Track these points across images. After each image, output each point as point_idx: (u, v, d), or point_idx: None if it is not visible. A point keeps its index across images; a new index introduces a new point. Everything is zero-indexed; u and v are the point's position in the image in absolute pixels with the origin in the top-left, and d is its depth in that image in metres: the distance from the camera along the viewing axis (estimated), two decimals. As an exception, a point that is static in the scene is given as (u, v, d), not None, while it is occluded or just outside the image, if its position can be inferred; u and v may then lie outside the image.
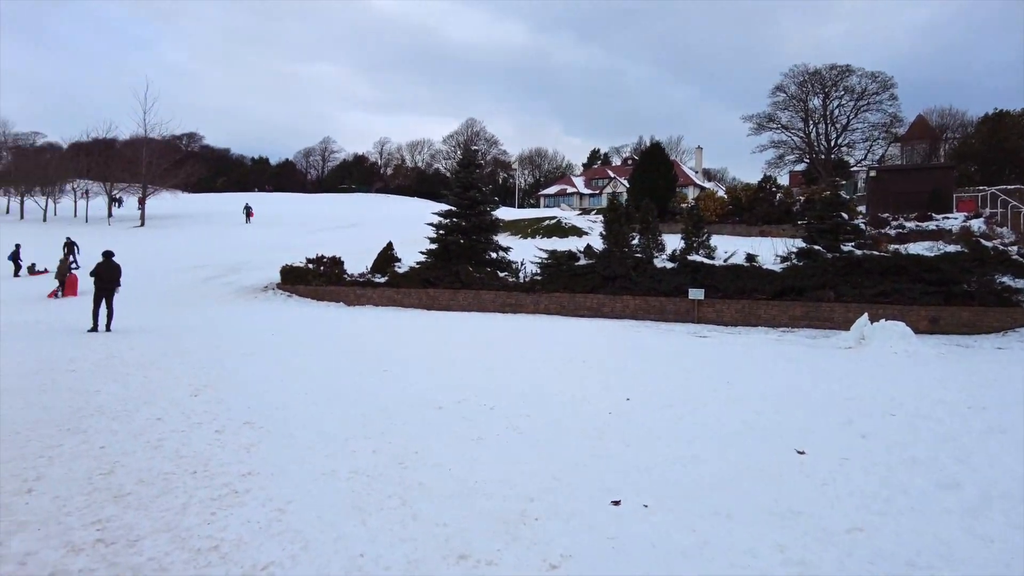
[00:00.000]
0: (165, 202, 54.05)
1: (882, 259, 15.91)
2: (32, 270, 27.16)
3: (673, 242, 20.86)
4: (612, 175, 74.73)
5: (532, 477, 5.05)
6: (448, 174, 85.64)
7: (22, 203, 57.67)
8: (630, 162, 76.30)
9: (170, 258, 29.90)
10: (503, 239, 25.93)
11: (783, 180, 56.63)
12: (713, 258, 18.02)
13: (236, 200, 58.28)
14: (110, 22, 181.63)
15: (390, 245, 22.37)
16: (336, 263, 21.90)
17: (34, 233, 38.74)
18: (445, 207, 22.68)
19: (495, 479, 4.98)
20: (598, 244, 19.92)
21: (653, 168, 34.83)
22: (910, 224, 24.91)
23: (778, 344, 13.42)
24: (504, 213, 29.60)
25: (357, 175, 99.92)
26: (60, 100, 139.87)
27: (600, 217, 34.72)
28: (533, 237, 32.75)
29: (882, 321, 12.59)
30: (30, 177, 56.39)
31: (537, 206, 75.34)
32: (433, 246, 21.59)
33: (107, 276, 13.91)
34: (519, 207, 69.74)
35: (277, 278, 22.44)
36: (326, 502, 4.46)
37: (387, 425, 6.48)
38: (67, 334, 13.25)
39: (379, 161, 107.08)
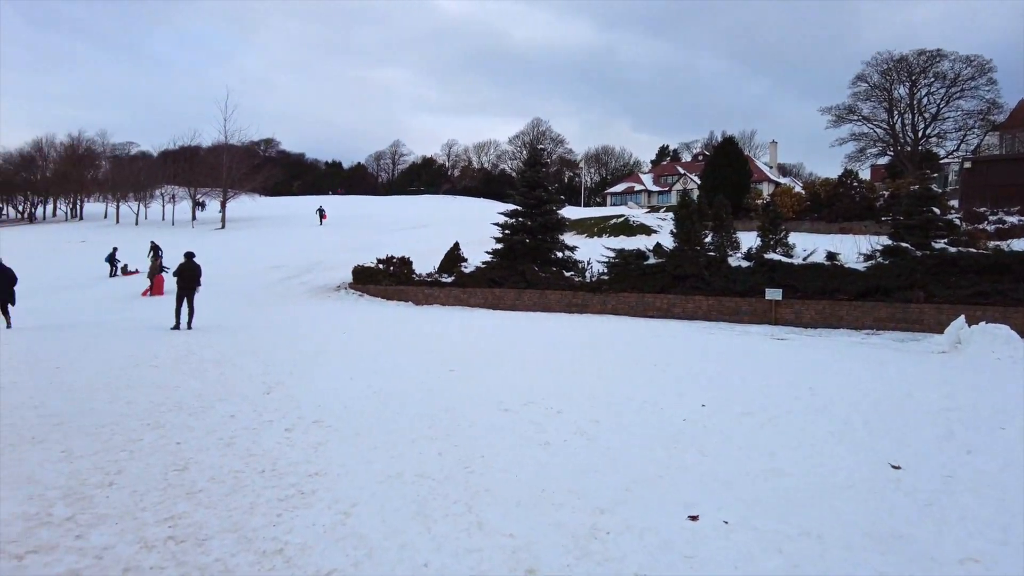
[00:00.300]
0: (244, 205, 56.64)
1: (981, 257, 14.68)
2: (125, 271, 28.87)
3: (748, 240, 20.05)
4: (682, 171, 72.89)
5: (603, 487, 4.81)
6: (514, 174, 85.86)
7: (117, 208, 61.73)
8: (701, 158, 74.25)
9: (248, 259, 31.16)
10: (569, 238, 25.63)
11: (864, 174, 53.57)
12: (791, 256, 17.18)
13: (310, 203, 60.28)
14: (197, 38, 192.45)
15: (456, 245, 22.50)
16: (405, 263, 22.22)
17: (128, 237, 41.28)
18: (511, 207, 22.62)
19: (564, 488, 4.77)
20: (668, 242, 19.36)
21: (726, 164, 33.73)
22: (1012, 218, 23.03)
23: (863, 347, 12.59)
24: (570, 212, 29.32)
25: (425, 177, 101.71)
26: (152, 112, 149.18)
27: (670, 215, 33.85)
28: (600, 236, 32.29)
29: (982, 324, 11.60)
30: (125, 184, 60.30)
31: (604, 204, 74.44)
32: (499, 246, 21.56)
33: (188, 276, 14.53)
34: (585, 206, 69.05)
35: (349, 278, 22.98)
36: (391, 506, 4.37)
37: (453, 426, 6.37)
38: (152, 331, 13.91)
39: (447, 163, 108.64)
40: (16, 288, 15.35)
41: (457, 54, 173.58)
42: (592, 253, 20.81)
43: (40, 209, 78.11)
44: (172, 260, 19.61)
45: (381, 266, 22.31)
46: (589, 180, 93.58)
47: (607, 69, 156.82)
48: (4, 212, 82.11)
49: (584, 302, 18.45)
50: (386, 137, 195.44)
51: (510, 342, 12.91)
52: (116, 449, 5.49)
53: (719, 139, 54.38)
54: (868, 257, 16.25)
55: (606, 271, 18.76)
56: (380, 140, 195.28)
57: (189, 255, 14.97)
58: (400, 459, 5.37)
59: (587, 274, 19.39)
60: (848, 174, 35.51)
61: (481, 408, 7.14)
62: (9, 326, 14.71)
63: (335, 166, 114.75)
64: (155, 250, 28.26)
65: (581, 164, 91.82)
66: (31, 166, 76.27)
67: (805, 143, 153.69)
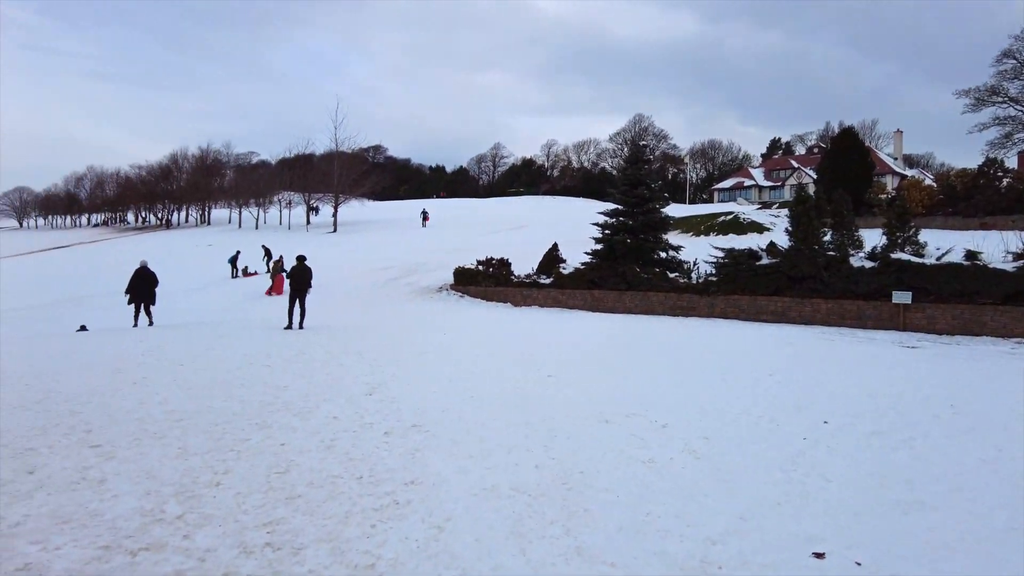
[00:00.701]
0: (354, 209, 59.37)
1: None
2: (245, 272, 30.96)
3: (872, 238, 18.44)
4: (795, 165, 68.83)
5: (714, 514, 4.39)
6: (614, 172, 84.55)
7: (240, 214, 66.72)
8: (816, 151, 69.88)
9: (357, 261, 32.48)
10: (673, 237, 24.69)
11: (1011, 163, 48.01)
12: (923, 256, 15.55)
13: (414, 206, 62.25)
14: (312, 53, 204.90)
15: (555, 246, 22.27)
16: (504, 265, 22.26)
17: (249, 240, 44.30)
18: (611, 206, 22.08)
19: (670, 513, 4.40)
20: (782, 241, 18.14)
21: (845, 155, 31.37)
22: None
23: (1014, 359, 11.11)
24: (674, 210, 28.27)
25: (525, 178, 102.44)
26: (271, 123, 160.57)
27: (783, 211, 31.95)
28: (707, 235, 30.93)
29: None
30: (247, 191, 65.14)
31: (710, 201, 71.65)
32: (598, 246, 21.11)
33: (300, 278, 15.22)
34: (690, 203, 66.76)
35: (450, 279, 23.34)
36: (485, 522, 4.19)
37: (551, 437, 6.12)
38: (267, 331, 14.68)
39: (546, 163, 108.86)
40: (157, 289, 16.80)
41: (557, 54, 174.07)
42: (699, 253, 19.89)
43: (175, 216, 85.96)
44: (287, 263, 20.69)
45: (481, 267, 22.47)
46: (694, 176, 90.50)
47: (713, 61, 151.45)
48: (147, 219, 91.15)
49: (690, 304, 17.64)
50: (487, 140, 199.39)
51: (610, 346, 12.51)
52: (225, 448, 5.69)
53: (837, 130, 50.73)
54: (1018, 256, 14.40)
55: (714, 272, 17.83)
56: (481, 143, 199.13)
57: (300, 258, 15.69)
58: (495, 470, 5.20)
59: (693, 275, 18.53)
60: (991, 163, 31.93)
61: (580, 418, 6.84)
62: (151, 323, 16.09)
63: (438, 170, 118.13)
64: (268, 253, 30.17)
65: (686, 160, 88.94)
66: (168, 177, 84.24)
67: (935, 131, 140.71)
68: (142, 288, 16.44)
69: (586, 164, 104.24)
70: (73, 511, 4.26)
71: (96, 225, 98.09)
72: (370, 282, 26.24)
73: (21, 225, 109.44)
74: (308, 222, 59.40)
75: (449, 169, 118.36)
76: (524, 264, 22.23)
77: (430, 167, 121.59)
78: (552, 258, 21.85)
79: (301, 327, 14.89)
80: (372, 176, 63.28)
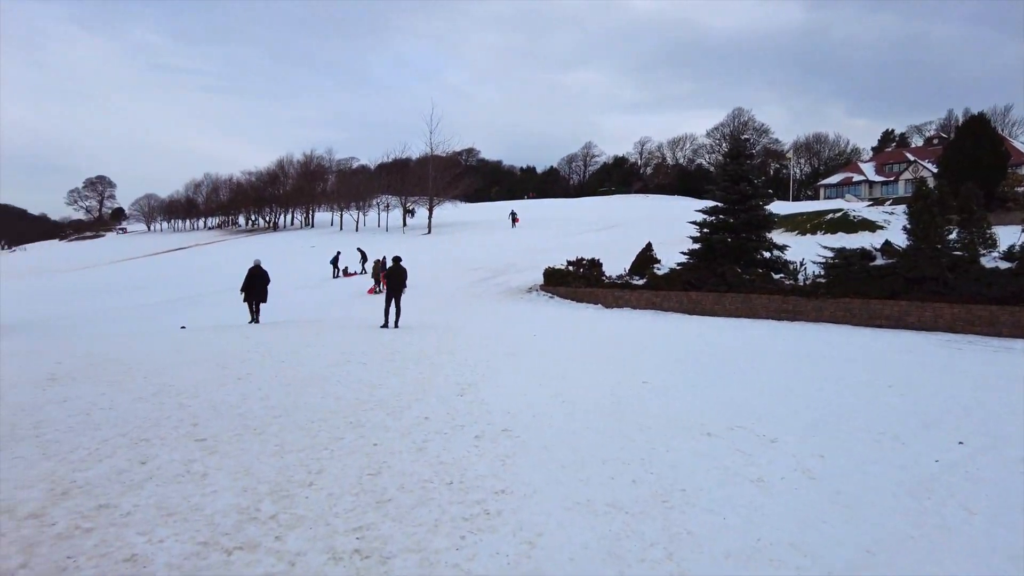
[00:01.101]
0: (447, 211, 60.67)
1: None
2: (346, 272, 32.23)
3: (1008, 236, 16.60)
4: (911, 158, 63.74)
5: (835, 544, 3.91)
6: (712, 169, 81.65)
7: (341, 217, 69.96)
8: (936, 141, 64.37)
9: (449, 261, 33.04)
10: (777, 236, 23.33)
11: None
12: (1074, 255, 13.78)
13: (505, 208, 62.73)
14: (409, 60, 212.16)
15: (649, 246, 21.61)
16: (594, 265, 21.84)
17: (349, 242, 46.16)
18: (709, 204, 21.14)
19: (783, 540, 3.96)
20: (897, 239, 16.68)
21: (974, 145, 28.50)
22: None
23: None
24: (778, 207, 26.71)
25: (617, 177, 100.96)
26: (370, 128, 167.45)
27: (898, 208, 29.57)
28: (813, 233, 29.07)
29: None
30: (347, 195, 68.27)
31: (816, 198, 67.77)
32: (696, 246, 20.27)
33: (396, 278, 15.54)
34: (794, 200, 63.33)
35: (540, 280, 23.18)
36: (579, 541, 3.93)
37: (648, 449, 5.77)
38: (364, 329, 15.07)
39: (639, 161, 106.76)
40: (268, 287, 17.71)
41: (650, 50, 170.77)
42: (805, 253, 18.66)
43: (281, 218, 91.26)
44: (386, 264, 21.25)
45: (571, 268, 22.16)
46: (798, 172, 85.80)
47: (818, 51, 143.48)
48: (256, 222, 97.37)
49: (796, 308, 16.53)
50: (577, 140, 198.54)
51: (709, 352, 11.87)
52: (320, 447, 5.74)
53: (960, 118, 46.41)
54: None
55: (822, 273, 16.63)
56: (571, 143, 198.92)
57: (396, 259, 16.02)
58: (589, 484, 4.92)
59: (799, 276, 17.37)
60: None
61: (680, 429, 6.43)
62: (257, 322, 16.96)
63: (529, 171, 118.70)
64: (364, 256, 31.26)
65: (789, 155, 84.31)
66: (275, 182, 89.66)
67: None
68: (256, 286, 17.32)
69: (681, 161, 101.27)
70: (177, 504, 4.38)
71: (211, 228, 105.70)
72: (462, 282, 26.55)
73: (149, 229, 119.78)
74: (404, 224, 61.22)
75: (540, 170, 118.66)
76: (616, 265, 21.71)
77: (521, 168, 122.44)
78: (645, 258, 21.20)
79: (396, 326, 15.19)
80: (465, 178, 64.37)
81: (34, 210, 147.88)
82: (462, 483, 4.89)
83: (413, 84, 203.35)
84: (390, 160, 75.64)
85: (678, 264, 19.82)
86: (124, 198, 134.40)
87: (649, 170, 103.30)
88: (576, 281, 21.65)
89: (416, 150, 76.34)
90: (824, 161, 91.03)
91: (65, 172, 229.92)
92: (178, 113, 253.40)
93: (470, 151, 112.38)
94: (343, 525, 4.10)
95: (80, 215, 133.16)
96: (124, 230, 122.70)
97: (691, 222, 21.00)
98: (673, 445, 5.86)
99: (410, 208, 63.31)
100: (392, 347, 11.99)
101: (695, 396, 7.96)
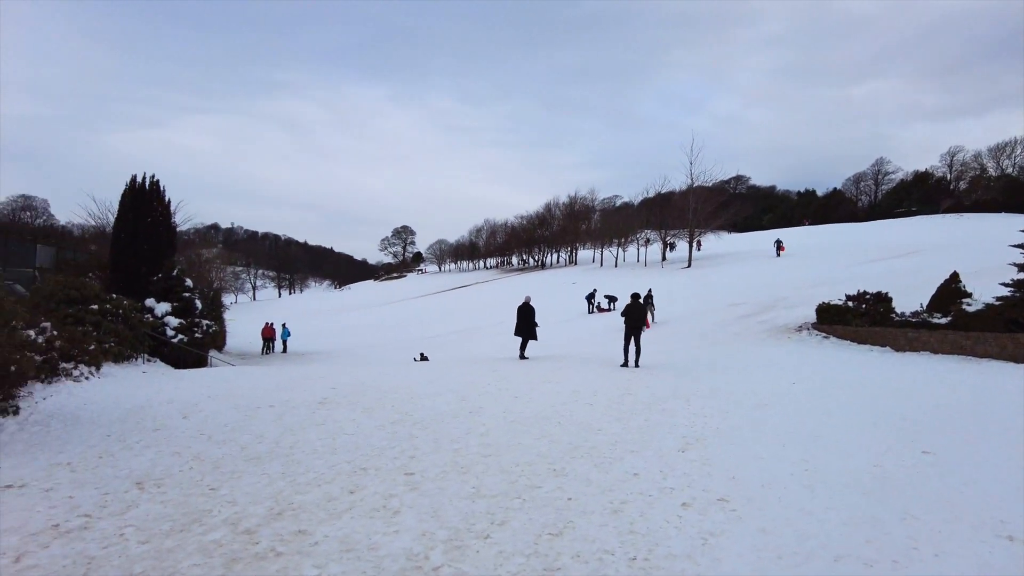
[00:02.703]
0: (710, 243, 58.09)
1: None
2: (599, 308, 32.56)
3: None
4: None
5: None
6: (1056, 179, 65.35)
7: (602, 254, 71.80)
8: None
9: (708, 296, 31.22)
10: None
11: None
12: None
13: (770, 236, 57.94)
14: (672, 94, 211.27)
15: (955, 276, 17.60)
16: (881, 300, 18.52)
17: (608, 278, 46.76)
18: (1045, 222, 16.52)
19: None
20: None
21: None
22: None
23: None
24: None
25: (917, 195, 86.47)
26: (634, 165, 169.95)
27: None
28: None
29: None
30: (608, 231, 70.05)
31: None
32: (1023, 276, 15.92)
33: (635, 316, 14.97)
34: None
35: (812, 317, 20.46)
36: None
37: (908, 549, 4.32)
38: (605, 367, 14.73)
39: (947, 175, 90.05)
40: (536, 320, 18.32)
41: (960, 47, 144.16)
42: None
43: (549, 257, 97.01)
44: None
45: (851, 303, 19.10)
46: None
47: None
48: (527, 261, 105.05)
49: None
50: (866, 157, 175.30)
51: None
52: (514, 494, 5.50)
53: None
54: None
55: None
56: (858, 161, 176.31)
57: (635, 296, 15.47)
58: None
59: None
60: None
61: (964, 527, 4.75)
62: (524, 357, 17.40)
63: (808, 195, 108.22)
64: (591, 295, 31.73)
65: None
66: (543, 224, 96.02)
67: None
68: (521, 324, 17.76)
69: (1009, 170, 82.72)
70: (359, 540, 4.49)
71: (490, 268, 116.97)
72: (719, 319, 24.74)
73: (440, 269, 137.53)
74: (664, 258, 60.09)
75: (820, 192, 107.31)
76: (910, 299, 18.12)
77: (798, 192, 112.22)
78: (951, 291, 17.28)
79: (637, 365, 14.58)
80: (731, 208, 60.98)
81: (357, 256, 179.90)
82: (647, 560, 4.18)
83: (678, 117, 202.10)
84: (652, 195, 75.46)
85: (997, 299, 15.73)
86: (421, 243, 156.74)
87: (963, 184, 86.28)
88: (857, 319, 18.59)
89: (677, 183, 74.81)
90: None
91: (372, 223, 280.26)
92: (466, 165, 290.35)
93: (738, 179, 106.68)
94: (501, 593, 3.74)
95: (388, 259, 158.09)
96: (423, 271, 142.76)
97: (1016, 245, 16.59)
98: (947, 548, 4.32)
99: (670, 242, 61.96)
100: (625, 388, 11.44)
101: (998, 479, 5.92)
